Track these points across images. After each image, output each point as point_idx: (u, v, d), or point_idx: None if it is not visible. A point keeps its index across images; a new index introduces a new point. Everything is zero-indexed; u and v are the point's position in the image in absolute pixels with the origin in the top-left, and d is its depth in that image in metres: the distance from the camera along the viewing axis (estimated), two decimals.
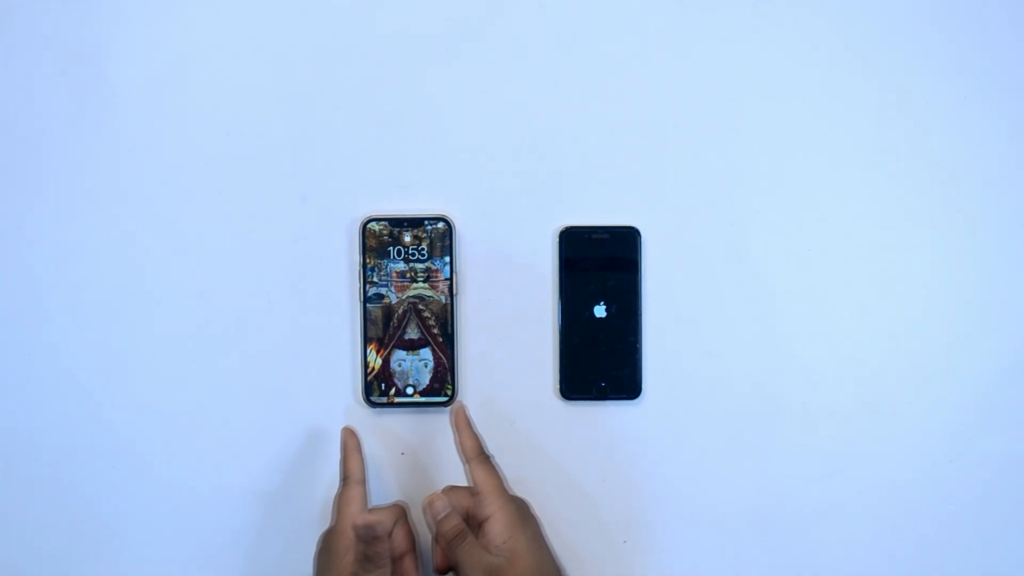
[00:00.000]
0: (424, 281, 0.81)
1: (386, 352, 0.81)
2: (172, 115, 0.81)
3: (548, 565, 0.73)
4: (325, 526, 0.77)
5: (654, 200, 0.82)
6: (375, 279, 0.81)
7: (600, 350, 0.82)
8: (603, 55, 0.81)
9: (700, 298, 0.82)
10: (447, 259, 0.81)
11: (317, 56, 0.81)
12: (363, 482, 0.77)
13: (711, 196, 0.82)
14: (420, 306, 0.81)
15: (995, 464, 0.82)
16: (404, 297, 0.81)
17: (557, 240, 0.81)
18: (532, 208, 0.82)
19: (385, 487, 0.82)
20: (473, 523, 0.75)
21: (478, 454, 0.76)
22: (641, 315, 0.82)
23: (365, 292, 0.81)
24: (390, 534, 0.75)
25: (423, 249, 0.81)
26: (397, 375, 0.81)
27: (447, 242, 0.81)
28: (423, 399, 0.81)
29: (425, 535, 0.79)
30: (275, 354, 0.81)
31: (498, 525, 0.72)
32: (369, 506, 0.78)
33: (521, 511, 0.75)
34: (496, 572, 0.70)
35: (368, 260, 0.81)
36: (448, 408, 0.80)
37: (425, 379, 0.81)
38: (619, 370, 0.82)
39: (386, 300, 0.81)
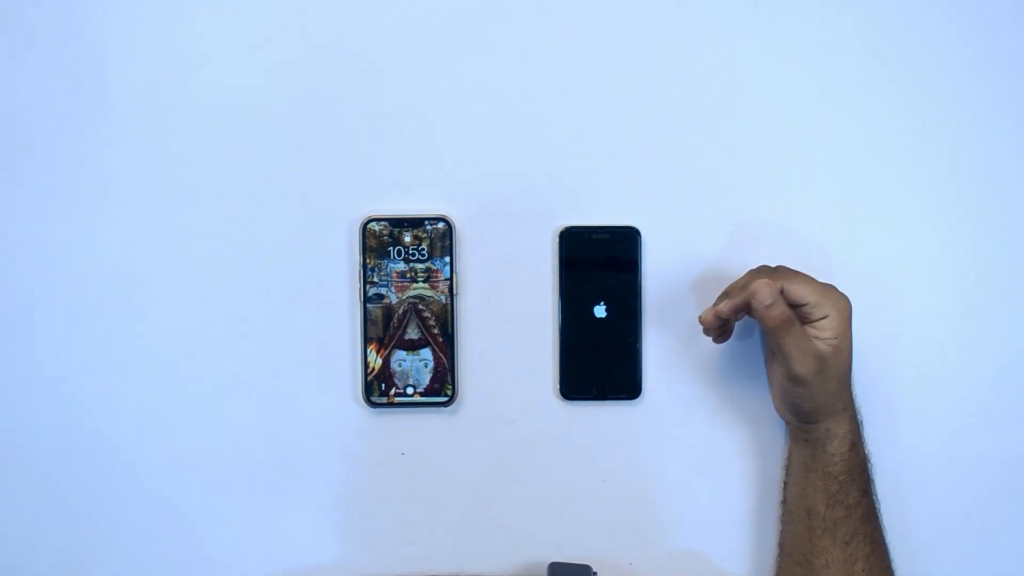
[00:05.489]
0: (424, 281, 0.81)
1: (386, 352, 0.81)
2: (172, 115, 0.81)
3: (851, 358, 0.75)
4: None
5: (654, 200, 0.82)
6: (375, 279, 0.81)
7: (600, 350, 0.82)
8: (603, 55, 0.81)
9: (700, 298, 0.81)
10: (447, 259, 0.81)
11: (317, 56, 0.81)
12: None
13: (711, 196, 0.82)
14: (420, 306, 0.81)
15: (995, 464, 0.82)
16: (404, 297, 0.81)
17: (557, 240, 0.81)
18: (532, 208, 0.82)
19: (385, 487, 0.82)
20: (802, 315, 0.74)
21: (777, 276, 0.74)
22: (641, 315, 0.82)
23: (365, 292, 0.81)
24: None
25: (423, 249, 0.81)
26: (397, 375, 0.81)
27: (447, 242, 0.81)
28: (423, 399, 0.81)
29: None
30: (275, 354, 0.81)
31: (834, 322, 0.73)
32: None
33: (849, 310, 0.74)
34: (823, 359, 0.73)
35: (368, 260, 0.81)
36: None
37: (425, 379, 0.81)
38: (619, 370, 0.82)
39: (386, 300, 0.81)
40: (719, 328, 0.77)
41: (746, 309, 0.74)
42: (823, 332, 0.73)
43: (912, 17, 0.81)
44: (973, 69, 0.81)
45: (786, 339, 0.72)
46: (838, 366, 0.73)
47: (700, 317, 0.76)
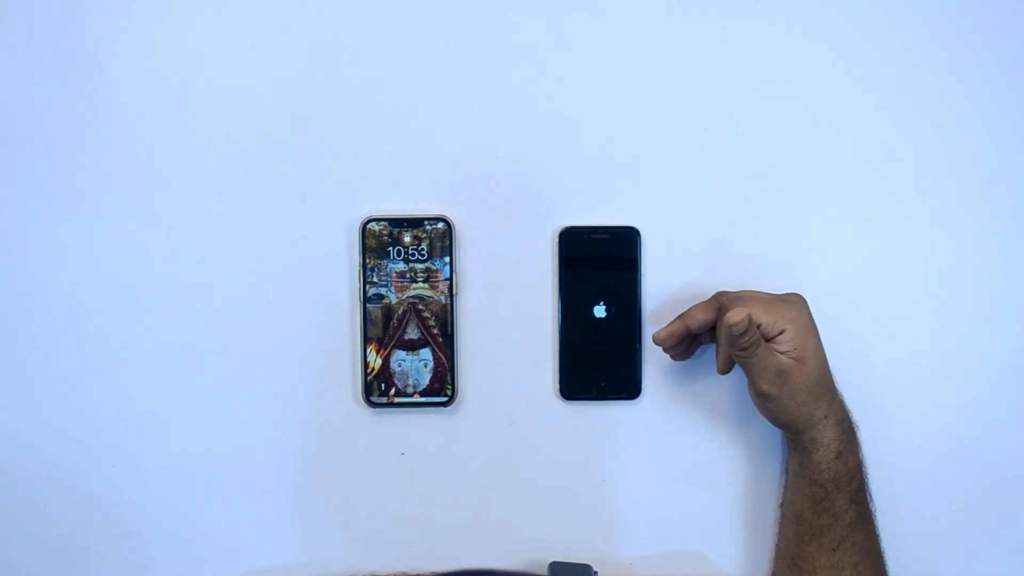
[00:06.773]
0: (424, 281, 0.81)
1: (386, 352, 0.81)
2: (172, 115, 0.81)
3: (826, 366, 0.76)
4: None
5: (654, 200, 0.82)
6: (375, 279, 0.81)
7: (600, 350, 0.82)
8: (603, 55, 0.81)
9: (700, 298, 0.81)
10: (447, 259, 0.81)
11: (317, 56, 0.81)
12: None
13: (711, 196, 0.82)
14: (420, 306, 0.81)
15: (995, 464, 0.82)
16: (404, 297, 0.81)
17: (557, 240, 0.81)
18: (532, 208, 0.82)
19: (385, 487, 0.82)
20: (760, 334, 0.75)
21: (730, 302, 0.76)
22: (641, 315, 0.82)
23: (365, 292, 0.81)
24: None
25: (423, 249, 0.81)
26: (397, 375, 0.81)
27: (447, 242, 0.81)
28: (423, 399, 0.81)
29: None
30: (275, 354, 0.82)
31: (791, 334, 0.74)
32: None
33: (807, 320, 0.76)
34: (785, 373, 0.74)
35: (368, 260, 0.81)
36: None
37: (425, 379, 0.81)
38: (619, 370, 0.82)
39: (386, 300, 0.81)
40: (676, 348, 0.79)
41: (701, 334, 0.78)
42: (781, 345, 0.74)
43: (912, 17, 0.81)
44: (973, 69, 0.81)
45: (750, 359, 0.74)
46: (803, 377, 0.74)
47: (654, 336, 0.78)
